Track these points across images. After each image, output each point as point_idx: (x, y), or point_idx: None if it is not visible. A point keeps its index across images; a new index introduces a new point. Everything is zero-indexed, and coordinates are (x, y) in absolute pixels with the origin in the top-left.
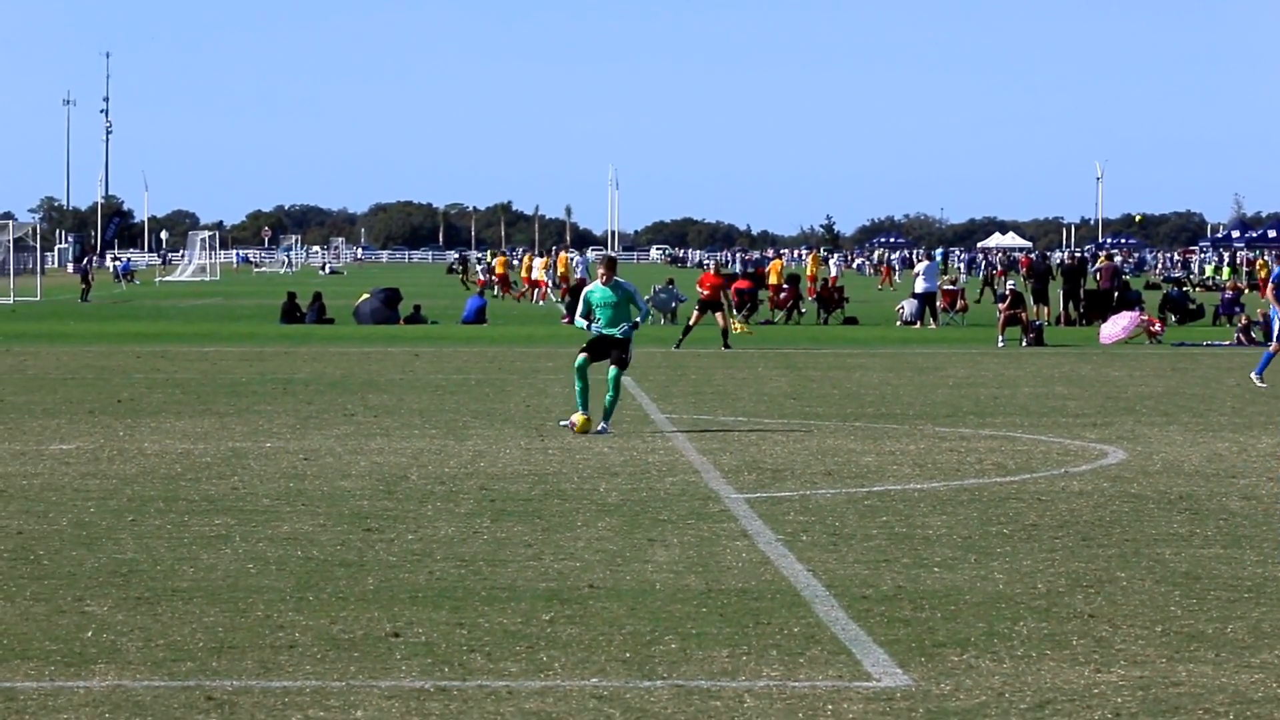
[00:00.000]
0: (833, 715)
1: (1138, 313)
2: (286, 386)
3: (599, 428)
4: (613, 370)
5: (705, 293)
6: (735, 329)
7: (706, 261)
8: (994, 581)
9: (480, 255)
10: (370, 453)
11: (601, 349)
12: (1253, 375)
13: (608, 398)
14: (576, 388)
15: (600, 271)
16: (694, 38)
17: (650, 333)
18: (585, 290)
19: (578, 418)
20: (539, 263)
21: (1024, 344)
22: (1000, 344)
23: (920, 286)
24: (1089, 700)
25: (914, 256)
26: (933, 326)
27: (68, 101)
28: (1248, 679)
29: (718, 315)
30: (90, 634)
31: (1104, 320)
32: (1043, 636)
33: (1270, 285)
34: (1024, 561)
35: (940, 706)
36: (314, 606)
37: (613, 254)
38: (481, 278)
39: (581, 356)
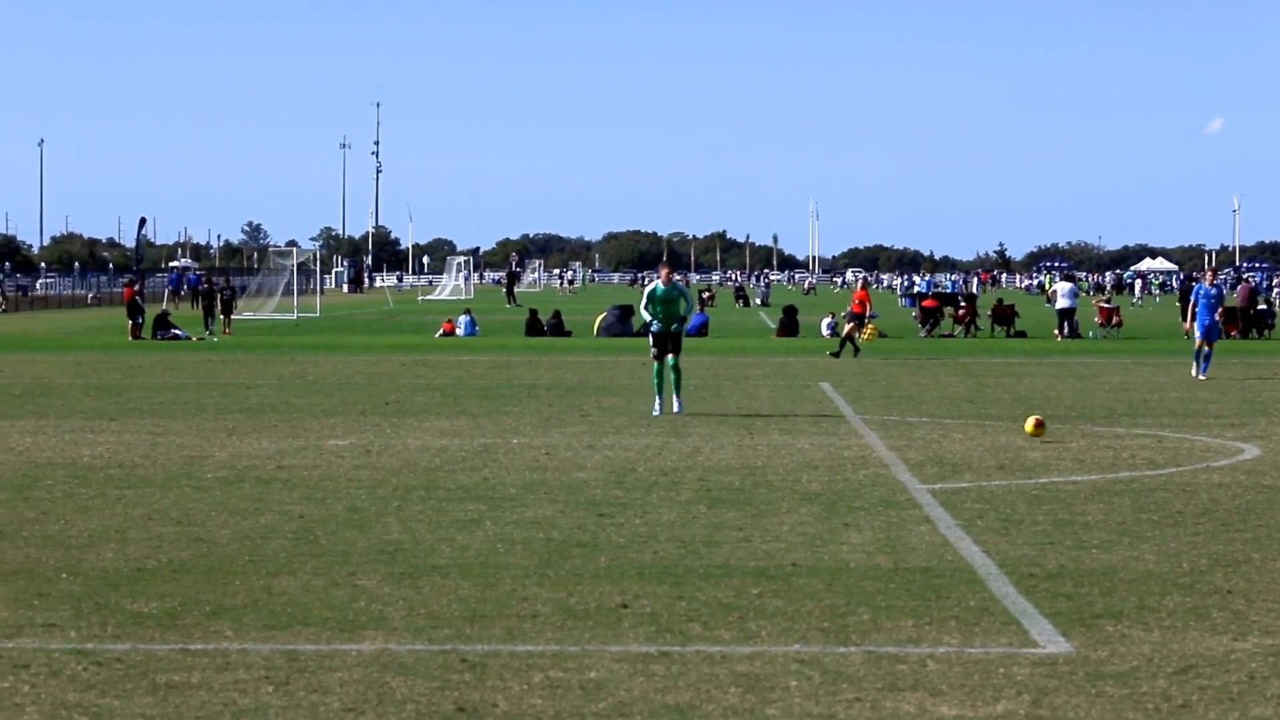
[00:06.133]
0: (1004, 678)
1: None
2: (530, 391)
3: (675, 409)
4: (672, 359)
5: (854, 308)
6: (862, 338)
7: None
8: (1144, 561)
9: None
10: (603, 448)
11: (664, 345)
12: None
13: (675, 381)
14: (655, 382)
15: (663, 272)
16: (884, 92)
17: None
18: (649, 287)
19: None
20: None
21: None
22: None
23: (1061, 304)
24: (1227, 665)
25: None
26: (1065, 337)
27: (344, 145)
28: None
29: (850, 325)
30: (361, 604)
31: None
32: (1187, 609)
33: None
34: (1170, 544)
35: (1098, 670)
36: (554, 581)
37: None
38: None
39: (656, 365)
